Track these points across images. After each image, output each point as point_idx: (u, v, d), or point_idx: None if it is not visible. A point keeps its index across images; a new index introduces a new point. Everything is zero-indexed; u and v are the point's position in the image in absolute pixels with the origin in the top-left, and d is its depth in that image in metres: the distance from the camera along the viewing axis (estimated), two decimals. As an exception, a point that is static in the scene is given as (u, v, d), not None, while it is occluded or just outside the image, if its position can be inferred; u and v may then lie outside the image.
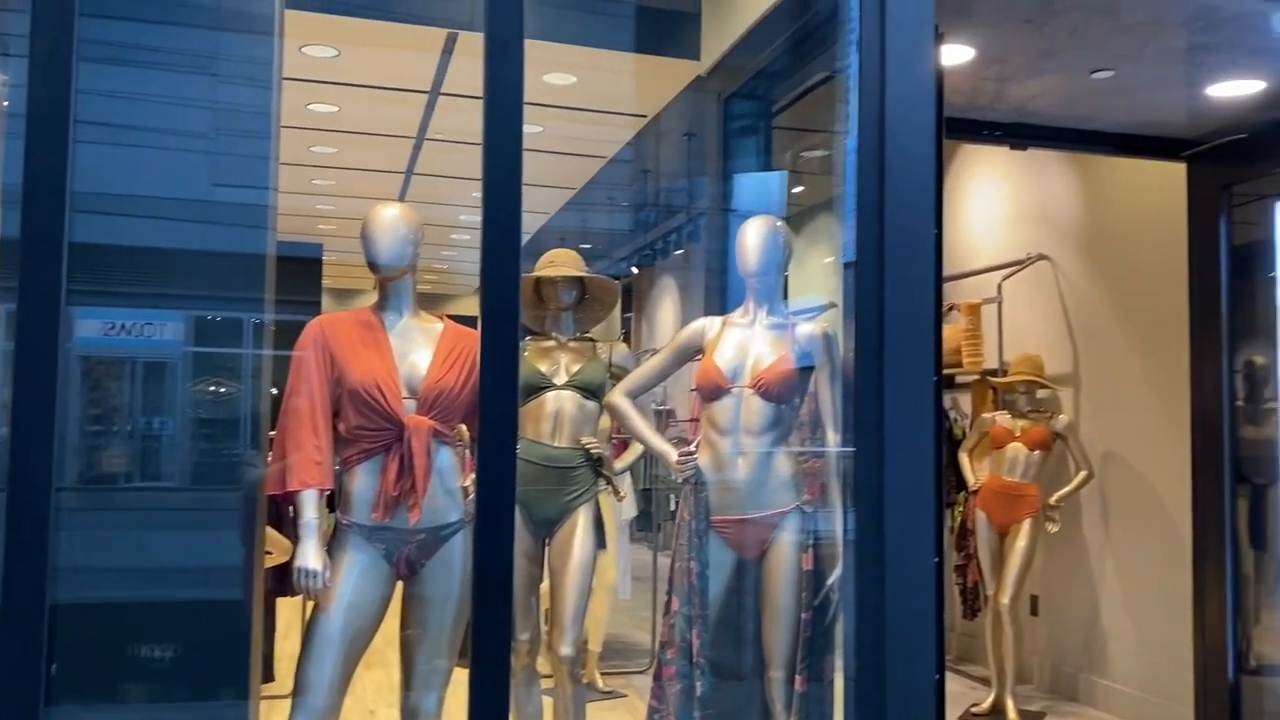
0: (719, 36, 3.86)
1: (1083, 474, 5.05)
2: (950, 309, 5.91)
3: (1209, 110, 4.01)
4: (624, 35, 4.46)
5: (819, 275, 4.89)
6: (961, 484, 5.44)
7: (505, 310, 2.43)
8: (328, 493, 2.79)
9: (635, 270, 9.92)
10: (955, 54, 3.43)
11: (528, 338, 3.54)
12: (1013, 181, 5.94)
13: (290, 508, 2.77)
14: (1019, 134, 4.29)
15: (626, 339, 10.18)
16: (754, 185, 4.32)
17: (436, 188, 6.80)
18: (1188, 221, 4.54)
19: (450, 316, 3.00)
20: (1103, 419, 5.30)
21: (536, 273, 3.49)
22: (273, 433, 2.79)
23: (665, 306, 9.53)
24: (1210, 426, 4.44)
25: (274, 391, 2.79)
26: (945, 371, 5.88)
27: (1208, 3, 3.04)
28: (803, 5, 3.21)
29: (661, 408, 6.79)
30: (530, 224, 8.30)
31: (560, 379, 3.42)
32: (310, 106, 5.19)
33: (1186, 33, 3.28)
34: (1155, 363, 4.91)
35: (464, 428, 2.97)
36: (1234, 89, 3.78)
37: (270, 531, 2.87)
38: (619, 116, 5.69)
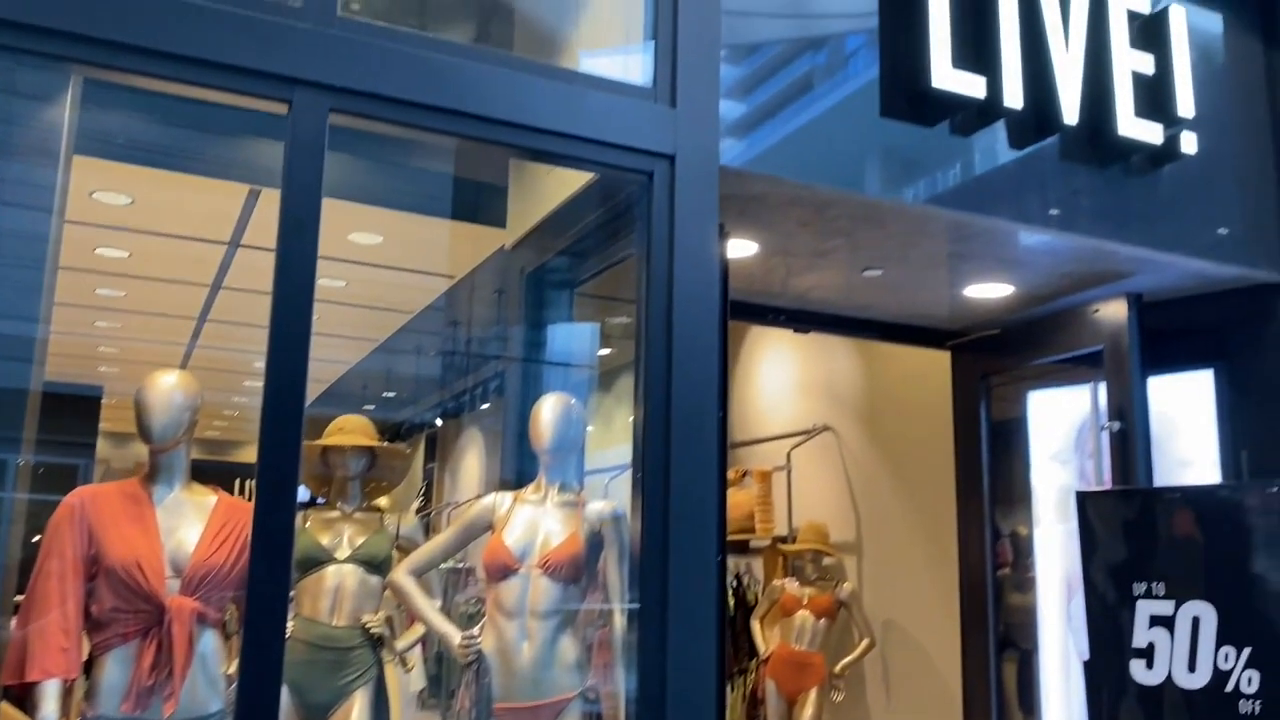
0: (525, 211, 3.98)
1: (865, 642, 5.22)
2: (744, 475, 6.12)
3: (968, 307, 4.41)
4: (431, 201, 4.54)
5: (625, 433, 4.96)
6: (754, 651, 5.52)
7: (281, 484, 2.36)
8: (71, 682, 2.57)
9: (440, 420, 9.80)
10: (741, 247, 3.67)
11: (310, 508, 3.42)
12: (801, 357, 6.29)
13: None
14: (801, 319, 4.59)
15: (429, 490, 9.96)
16: (563, 340, 4.40)
17: (231, 333, 6.59)
18: (952, 403, 4.91)
19: (235, 465, 2.88)
20: (883, 586, 5.53)
21: (323, 440, 3.41)
22: (20, 598, 2.57)
23: (470, 457, 9.40)
24: (976, 593, 4.69)
25: (36, 539, 2.59)
26: (740, 537, 6.04)
27: (960, 218, 3.39)
28: (605, 194, 3.37)
29: (461, 565, 6.62)
30: (332, 373, 8.11)
31: (342, 552, 3.31)
32: (99, 250, 4.99)
33: (944, 242, 3.64)
34: (927, 532, 5.20)
35: (234, 608, 2.81)
36: (988, 290, 4.19)
37: (12, 711, 2.61)
38: (426, 276, 5.74)
